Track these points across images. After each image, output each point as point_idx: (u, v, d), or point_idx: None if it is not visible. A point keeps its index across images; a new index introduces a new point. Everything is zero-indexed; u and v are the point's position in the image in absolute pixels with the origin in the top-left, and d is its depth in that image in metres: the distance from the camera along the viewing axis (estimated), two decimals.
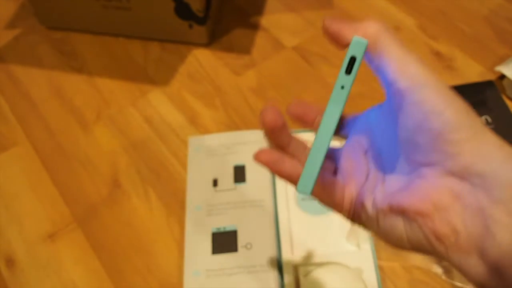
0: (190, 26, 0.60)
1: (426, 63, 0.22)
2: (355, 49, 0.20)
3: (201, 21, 0.59)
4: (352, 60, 0.20)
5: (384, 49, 0.22)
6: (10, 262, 0.46)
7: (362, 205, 0.24)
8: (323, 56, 0.61)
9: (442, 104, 0.20)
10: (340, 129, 0.28)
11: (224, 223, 0.46)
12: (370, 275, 0.42)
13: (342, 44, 0.23)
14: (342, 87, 0.20)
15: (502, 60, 0.59)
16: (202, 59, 0.61)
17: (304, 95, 0.57)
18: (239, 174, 0.49)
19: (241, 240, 0.44)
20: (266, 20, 0.65)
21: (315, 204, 0.47)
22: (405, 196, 0.21)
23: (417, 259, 0.44)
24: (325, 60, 0.60)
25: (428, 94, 0.20)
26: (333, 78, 0.58)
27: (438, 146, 0.20)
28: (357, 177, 0.25)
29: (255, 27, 0.65)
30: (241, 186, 0.48)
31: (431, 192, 0.20)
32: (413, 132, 0.21)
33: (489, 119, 0.51)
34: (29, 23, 0.67)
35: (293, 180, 0.25)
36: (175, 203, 0.49)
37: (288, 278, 0.42)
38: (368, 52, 0.22)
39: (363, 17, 0.64)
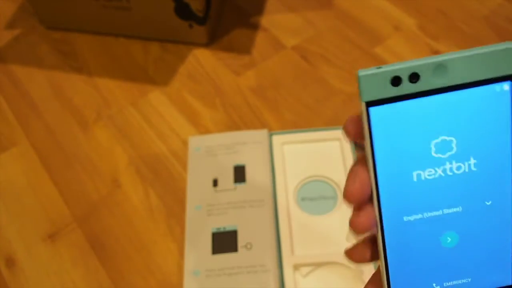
0: (190, 26, 0.60)
1: None
2: None
3: (201, 21, 0.59)
4: None
5: None
6: (10, 262, 0.46)
7: None
8: (323, 56, 0.61)
9: None
10: None
11: (224, 223, 0.46)
12: (370, 275, 0.42)
13: None
14: None
15: None
16: (202, 59, 0.61)
17: (304, 95, 0.57)
18: (239, 174, 0.49)
19: (241, 240, 0.44)
20: (266, 20, 0.65)
21: (315, 204, 0.47)
22: None
23: None
24: (325, 60, 0.60)
25: None
26: (333, 78, 0.58)
27: None
28: None
29: (255, 27, 0.65)
30: (241, 186, 0.48)
31: None
32: None
33: None
34: (29, 23, 0.67)
35: None
36: (175, 203, 0.49)
37: (288, 278, 0.42)
38: None
39: (363, 17, 0.64)
